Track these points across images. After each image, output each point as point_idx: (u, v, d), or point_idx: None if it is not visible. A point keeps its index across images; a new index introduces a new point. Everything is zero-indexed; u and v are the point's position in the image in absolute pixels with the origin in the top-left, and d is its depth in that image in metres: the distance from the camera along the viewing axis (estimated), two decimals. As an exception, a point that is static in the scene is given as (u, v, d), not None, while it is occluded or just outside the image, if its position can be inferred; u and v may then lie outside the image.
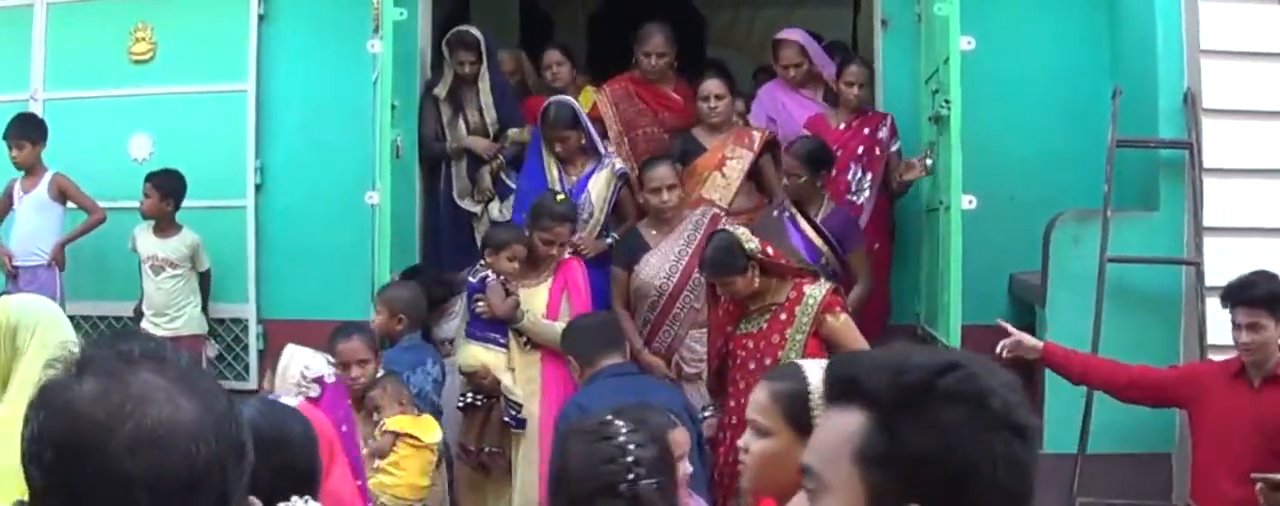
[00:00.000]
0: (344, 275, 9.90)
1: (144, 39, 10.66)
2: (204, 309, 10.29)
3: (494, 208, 10.11)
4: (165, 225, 10.10)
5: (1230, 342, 7.26)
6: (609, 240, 9.58)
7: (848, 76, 9.83)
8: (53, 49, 10.81)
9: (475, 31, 10.24)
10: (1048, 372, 8.85)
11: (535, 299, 8.94)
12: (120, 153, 10.63)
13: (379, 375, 7.66)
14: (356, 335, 7.65)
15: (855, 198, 9.76)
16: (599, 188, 9.60)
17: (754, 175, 9.83)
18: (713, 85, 9.83)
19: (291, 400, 6.22)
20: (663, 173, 9.25)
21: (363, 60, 9.17)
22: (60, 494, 2.06)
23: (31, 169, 10.30)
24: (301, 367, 6.99)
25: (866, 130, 9.81)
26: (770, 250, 7.75)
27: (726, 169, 9.71)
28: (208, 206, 10.37)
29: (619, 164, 9.71)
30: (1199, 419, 7.30)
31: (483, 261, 8.90)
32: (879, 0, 10.46)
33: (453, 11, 12.29)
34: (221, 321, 10.51)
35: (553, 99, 9.81)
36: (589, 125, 9.68)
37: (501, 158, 10.12)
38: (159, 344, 2.23)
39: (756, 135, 9.82)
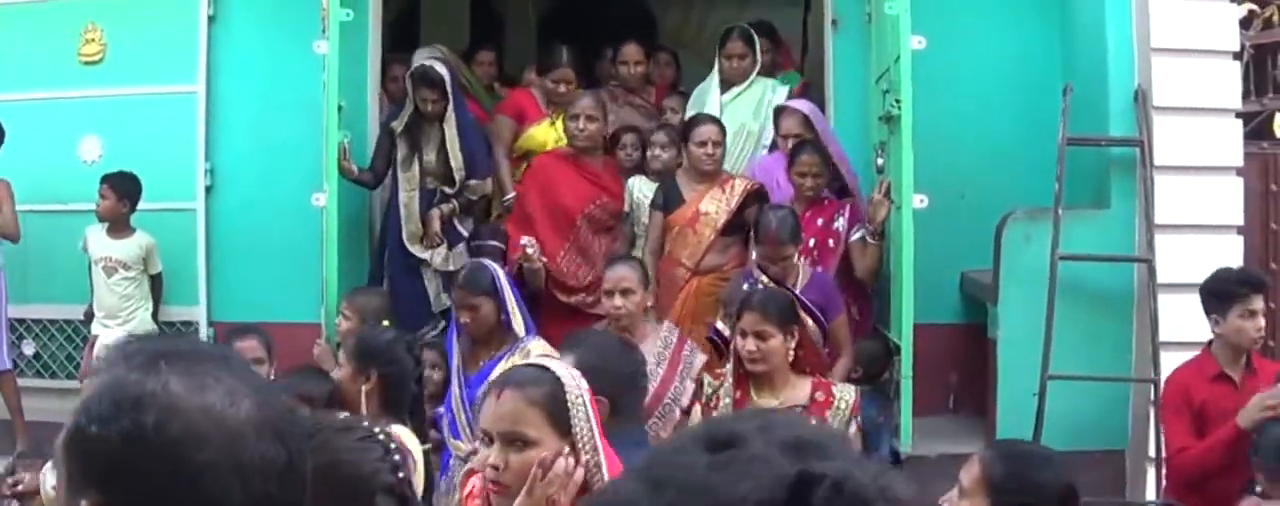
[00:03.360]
0: (295, 277, 9.85)
1: (94, 40, 10.60)
2: (154, 313, 10.22)
3: (439, 253, 9.77)
4: (119, 227, 10.03)
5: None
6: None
7: (800, 166, 9.20)
8: (2, 50, 10.74)
9: (441, 68, 9.78)
10: (1001, 367, 8.91)
11: None
12: (70, 154, 10.57)
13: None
14: (253, 335, 7.74)
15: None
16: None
17: (734, 228, 9.30)
18: (710, 131, 9.33)
19: None
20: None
21: (313, 61, 9.13)
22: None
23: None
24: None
25: (820, 221, 9.25)
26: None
27: (699, 224, 9.26)
28: (158, 208, 10.28)
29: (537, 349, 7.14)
30: (1199, 426, 7.09)
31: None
32: (829, 0, 10.46)
33: (402, 12, 12.28)
34: (172, 324, 10.44)
35: (478, 243, 9.72)
36: (508, 298, 7.42)
37: (454, 203, 9.86)
38: (216, 346, 2.30)
39: (738, 184, 9.38)
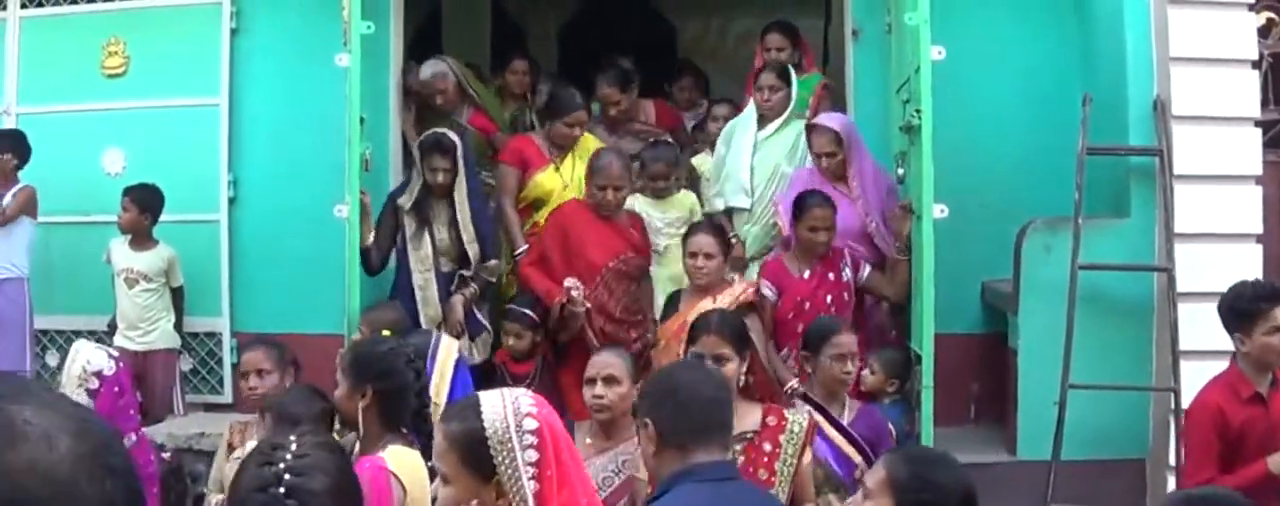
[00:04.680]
0: (317, 288, 9.88)
1: (117, 53, 10.65)
2: (178, 325, 10.28)
3: (463, 344, 8.94)
4: (141, 239, 10.10)
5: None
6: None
7: (812, 220, 8.75)
8: (26, 63, 10.82)
9: (452, 135, 9.40)
10: (1021, 377, 8.91)
11: None
12: (94, 167, 10.65)
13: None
14: (262, 347, 7.62)
15: None
16: None
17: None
18: (703, 242, 8.62)
19: (74, 394, 6.34)
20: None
21: (335, 74, 9.13)
22: None
23: (4, 181, 10.27)
24: (83, 363, 7.14)
25: (831, 275, 8.87)
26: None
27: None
28: (181, 220, 10.37)
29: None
30: (1235, 450, 6.79)
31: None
32: (849, 10, 10.48)
33: (423, 25, 12.31)
34: (195, 335, 10.51)
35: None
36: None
37: (474, 287, 9.38)
38: (30, 381, 1.95)
39: (737, 289, 8.66)
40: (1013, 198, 9.82)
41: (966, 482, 4.46)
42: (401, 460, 5.28)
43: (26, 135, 10.44)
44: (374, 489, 4.91)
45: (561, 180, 9.91)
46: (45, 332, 10.64)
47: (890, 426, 7.91)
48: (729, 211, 9.81)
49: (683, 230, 9.42)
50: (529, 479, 3.92)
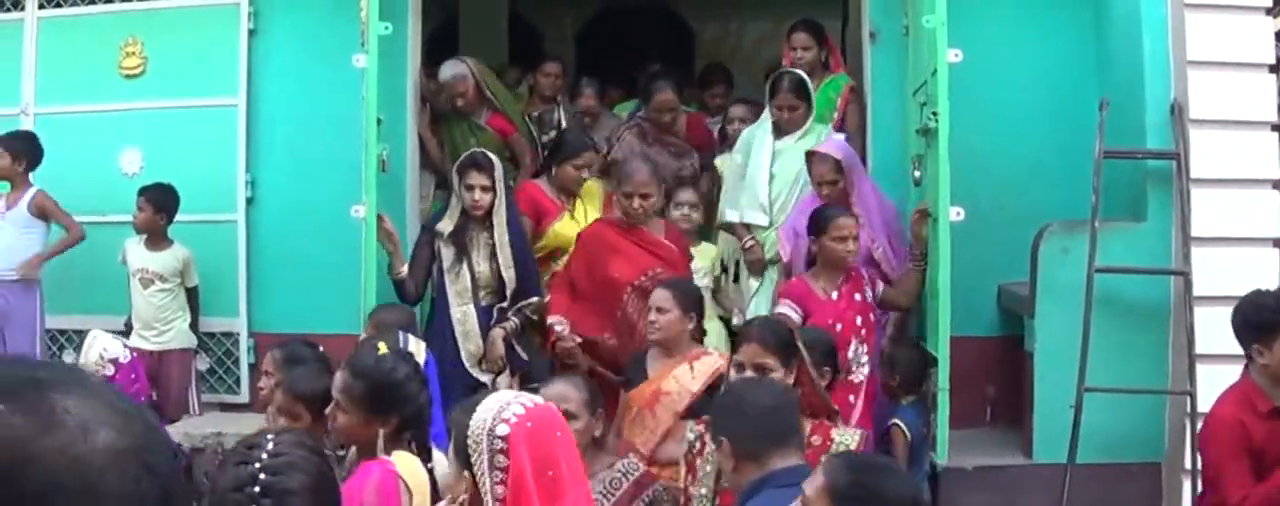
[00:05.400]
0: (334, 288, 9.90)
1: (134, 53, 10.67)
2: (193, 325, 10.31)
3: (503, 380, 8.79)
4: (156, 239, 10.14)
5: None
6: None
7: (837, 230, 8.40)
8: (43, 63, 10.85)
9: (490, 154, 9.07)
10: (1037, 380, 8.91)
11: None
12: (111, 167, 10.68)
13: None
14: (273, 349, 7.36)
15: (854, 375, 8.36)
16: None
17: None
18: (659, 296, 7.90)
19: None
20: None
21: (352, 74, 9.14)
22: None
23: (15, 184, 10.34)
24: (101, 350, 7.28)
25: (857, 296, 8.52)
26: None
27: (659, 408, 7.59)
28: (199, 220, 10.41)
29: None
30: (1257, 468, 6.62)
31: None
32: (867, 13, 10.47)
33: (442, 27, 12.32)
34: (212, 335, 10.54)
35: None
36: None
37: (514, 321, 8.94)
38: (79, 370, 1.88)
39: (707, 361, 7.70)
40: (1029, 200, 9.82)
41: (911, 493, 4.41)
42: (406, 465, 5.19)
43: (37, 136, 10.50)
44: (384, 491, 4.91)
45: (577, 226, 9.56)
46: (62, 332, 10.67)
47: (905, 428, 7.92)
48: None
49: (705, 282, 9.41)
50: (495, 483, 3.99)
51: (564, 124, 10.96)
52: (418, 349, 6.24)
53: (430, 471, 5.27)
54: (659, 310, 7.76)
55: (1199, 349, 8.50)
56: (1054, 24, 10.19)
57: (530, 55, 12.49)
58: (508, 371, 8.93)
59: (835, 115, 10.01)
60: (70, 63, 10.85)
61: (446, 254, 8.98)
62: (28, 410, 1.70)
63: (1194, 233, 8.78)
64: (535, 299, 8.99)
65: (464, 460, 4.05)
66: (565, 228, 9.63)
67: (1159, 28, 9.00)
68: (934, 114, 8.71)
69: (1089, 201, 8.76)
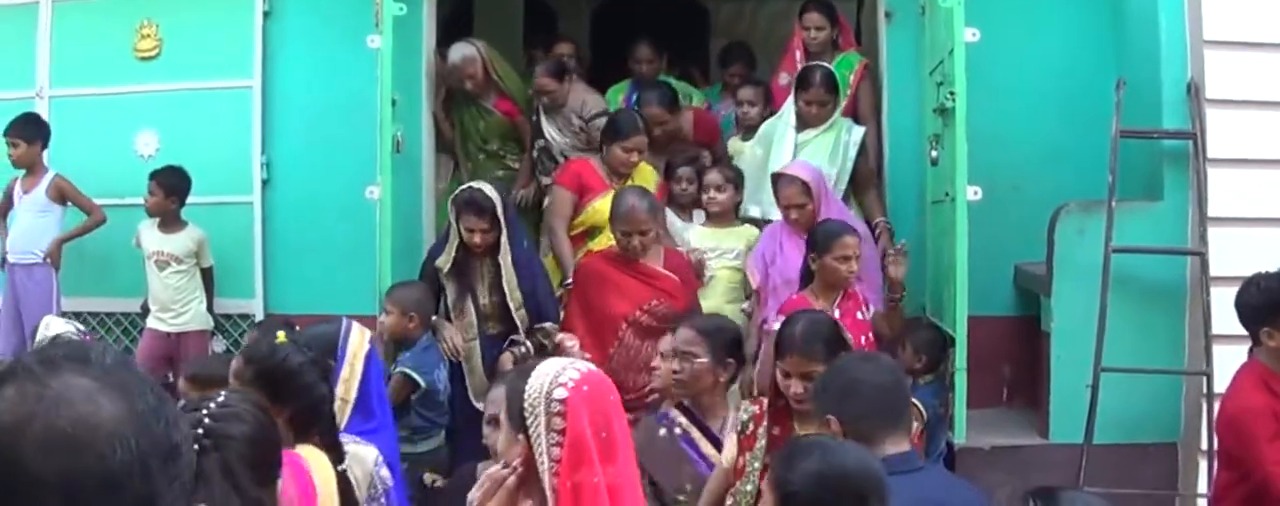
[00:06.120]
0: (350, 270, 9.91)
1: (149, 36, 10.67)
2: (209, 306, 10.32)
3: None
4: (170, 221, 10.14)
5: (1233, 333, 7.15)
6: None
7: (842, 249, 7.98)
8: (58, 46, 10.83)
9: (490, 191, 8.52)
10: (1054, 360, 8.90)
11: None
12: (126, 149, 10.68)
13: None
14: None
15: None
16: None
17: None
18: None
19: None
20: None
21: (367, 56, 9.14)
22: None
23: (32, 168, 10.36)
24: (53, 336, 7.25)
25: (857, 314, 8.16)
26: None
27: None
28: (214, 202, 10.43)
29: None
30: None
31: None
32: (883, -9, 10.46)
33: (456, 7, 12.30)
34: (228, 317, 10.55)
35: None
36: None
37: (526, 346, 8.51)
38: (83, 344, 2.07)
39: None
40: (1046, 180, 9.81)
41: (871, 478, 4.27)
42: (314, 458, 4.99)
43: (39, 116, 10.54)
44: (298, 482, 4.84)
45: None
46: (78, 315, 10.66)
47: (921, 408, 7.85)
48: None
49: (737, 262, 9.28)
50: (552, 445, 4.02)
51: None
52: (360, 339, 6.14)
53: (341, 473, 5.08)
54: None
55: (1215, 329, 8.48)
56: (1070, 3, 10.18)
57: (546, 36, 12.43)
58: None
59: (848, 93, 9.94)
60: (85, 45, 10.83)
61: (449, 290, 8.67)
62: (21, 387, 1.90)
63: (1210, 212, 8.76)
64: (549, 324, 8.59)
65: (519, 424, 4.06)
66: (606, 205, 9.02)
67: (1176, 7, 8.98)
68: (951, 93, 8.71)
69: (1105, 181, 8.75)
